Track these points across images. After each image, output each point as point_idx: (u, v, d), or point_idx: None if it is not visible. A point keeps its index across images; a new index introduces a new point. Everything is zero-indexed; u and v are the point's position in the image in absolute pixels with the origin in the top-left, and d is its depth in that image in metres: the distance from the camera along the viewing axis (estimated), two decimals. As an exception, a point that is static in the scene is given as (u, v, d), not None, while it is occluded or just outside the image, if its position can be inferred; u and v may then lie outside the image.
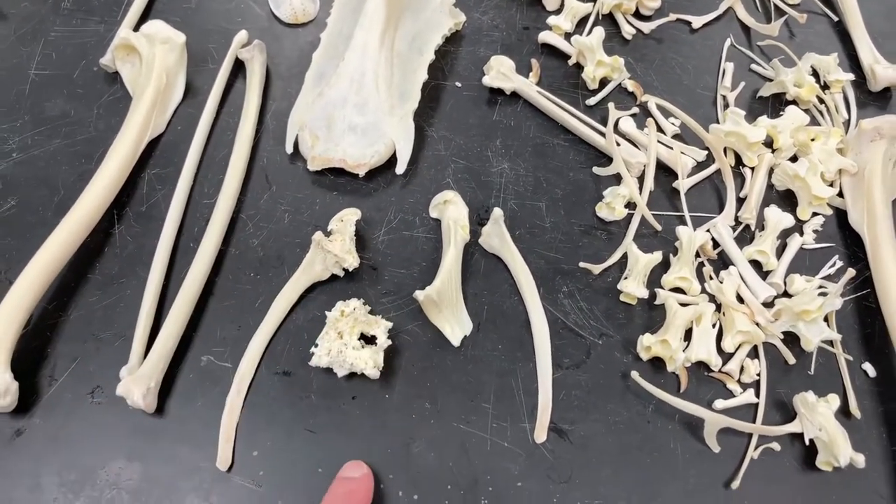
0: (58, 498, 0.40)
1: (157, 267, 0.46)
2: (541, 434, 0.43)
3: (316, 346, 0.43)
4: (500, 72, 0.55)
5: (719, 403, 0.44)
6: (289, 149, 0.52)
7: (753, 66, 0.59)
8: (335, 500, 0.38)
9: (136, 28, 0.56)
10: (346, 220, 0.48)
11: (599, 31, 0.55)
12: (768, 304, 0.47)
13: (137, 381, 0.41)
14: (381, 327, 0.44)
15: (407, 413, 0.43)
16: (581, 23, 0.61)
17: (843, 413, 0.44)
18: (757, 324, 0.45)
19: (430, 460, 0.42)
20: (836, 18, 0.62)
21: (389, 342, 0.43)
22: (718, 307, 0.47)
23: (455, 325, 0.45)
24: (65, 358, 0.44)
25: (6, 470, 0.41)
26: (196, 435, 0.42)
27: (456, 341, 0.45)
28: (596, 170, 0.52)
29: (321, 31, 0.57)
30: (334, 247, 0.46)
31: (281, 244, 0.49)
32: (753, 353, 0.46)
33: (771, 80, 0.57)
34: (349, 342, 0.43)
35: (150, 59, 0.53)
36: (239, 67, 0.57)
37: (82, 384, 0.43)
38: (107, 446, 0.42)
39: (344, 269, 0.47)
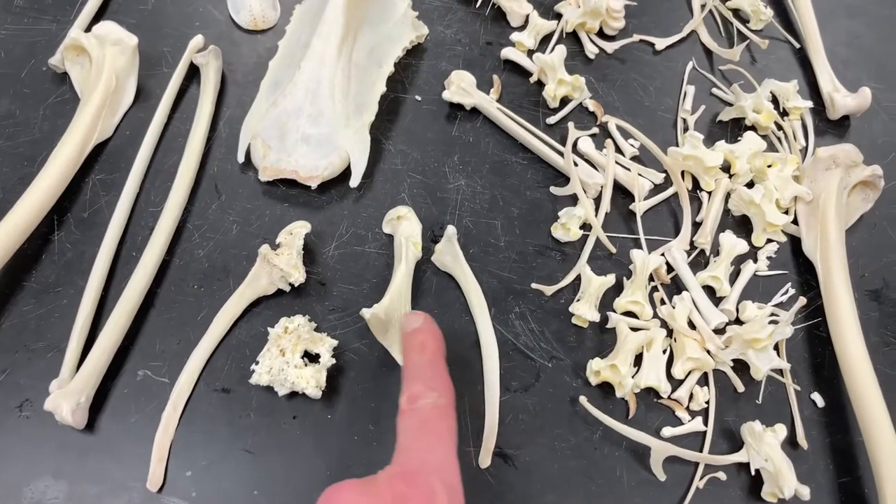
0: (-23, 517, 0.38)
1: (95, 276, 0.45)
2: (485, 459, 0.42)
3: (257, 363, 0.42)
4: (461, 87, 0.54)
5: (667, 431, 0.43)
6: (240, 158, 0.51)
7: (714, 91, 0.59)
8: (413, 359, 0.37)
9: (89, 29, 0.55)
10: (296, 233, 0.47)
11: (561, 50, 0.55)
12: (720, 331, 0.46)
13: (67, 396, 0.39)
14: (325, 345, 0.42)
15: (349, 434, 0.42)
16: (545, 40, 0.60)
17: (791, 443, 0.44)
18: (707, 351, 0.45)
19: (371, 484, 0.41)
20: (797, 45, 0.63)
21: (333, 361, 0.42)
22: (670, 332, 0.46)
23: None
24: (-7, 369, 0.42)
25: (-77, 486, 0.39)
26: (127, 453, 0.41)
27: (403, 362, 0.44)
28: (553, 189, 0.52)
29: (280, 39, 0.56)
30: (280, 260, 0.45)
31: (227, 256, 0.47)
32: (703, 381, 0.45)
33: (731, 105, 0.57)
34: (291, 360, 0.41)
35: (99, 61, 0.52)
36: (194, 73, 0.55)
37: (10, 397, 0.42)
38: (33, 463, 0.40)
39: (290, 284, 0.45)
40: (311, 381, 0.41)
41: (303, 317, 0.43)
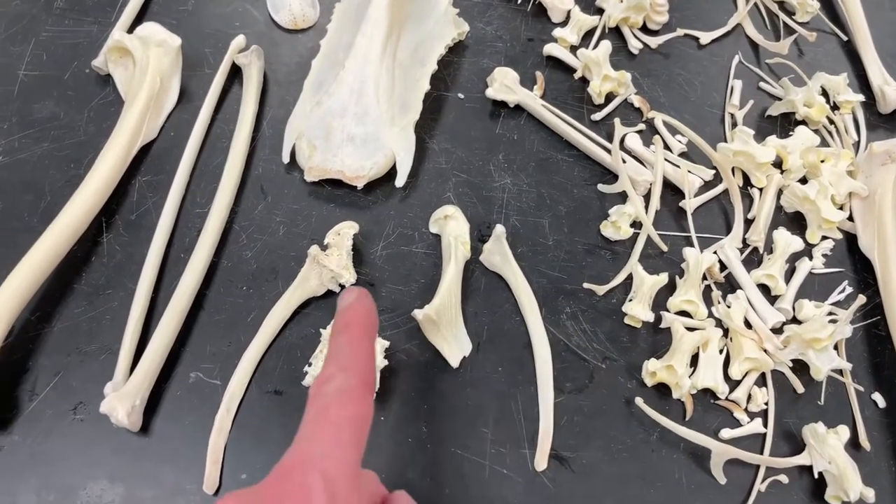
0: (35, 520, 0.38)
1: (145, 278, 0.45)
2: (541, 461, 0.41)
3: (310, 364, 0.42)
4: (504, 84, 0.54)
5: (726, 433, 0.42)
6: (285, 158, 0.50)
7: (762, 84, 0.58)
8: (336, 339, 0.32)
9: (131, 30, 0.55)
10: (343, 233, 0.46)
11: (606, 45, 0.54)
12: (776, 330, 0.45)
13: (122, 399, 0.39)
14: (378, 346, 0.42)
15: (402, 437, 0.42)
16: (587, 36, 0.59)
17: (853, 444, 0.43)
18: (765, 350, 0.44)
19: (426, 487, 0.40)
20: (845, 38, 0.61)
21: (386, 362, 0.42)
22: (725, 332, 0.45)
23: (454, 345, 0.44)
24: (47, 372, 0.42)
25: (-19, 489, 0.39)
26: (182, 455, 0.40)
27: (455, 362, 0.44)
28: (601, 187, 0.51)
29: (321, 38, 0.55)
30: (331, 262, 0.44)
31: (275, 257, 0.47)
32: (761, 381, 0.44)
33: (779, 99, 0.56)
34: None
35: (143, 63, 0.51)
36: (235, 73, 0.55)
37: (64, 400, 0.41)
38: (88, 466, 0.40)
39: (340, 285, 0.45)
40: None
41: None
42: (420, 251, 0.48)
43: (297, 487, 0.26)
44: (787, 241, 0.48)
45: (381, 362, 0.42)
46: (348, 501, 0.27)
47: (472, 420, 0.42)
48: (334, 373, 0.30)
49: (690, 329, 0.44)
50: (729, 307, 0.45)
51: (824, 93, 0.56)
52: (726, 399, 0.43)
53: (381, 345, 0.42)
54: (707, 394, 0.44)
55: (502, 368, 0.44)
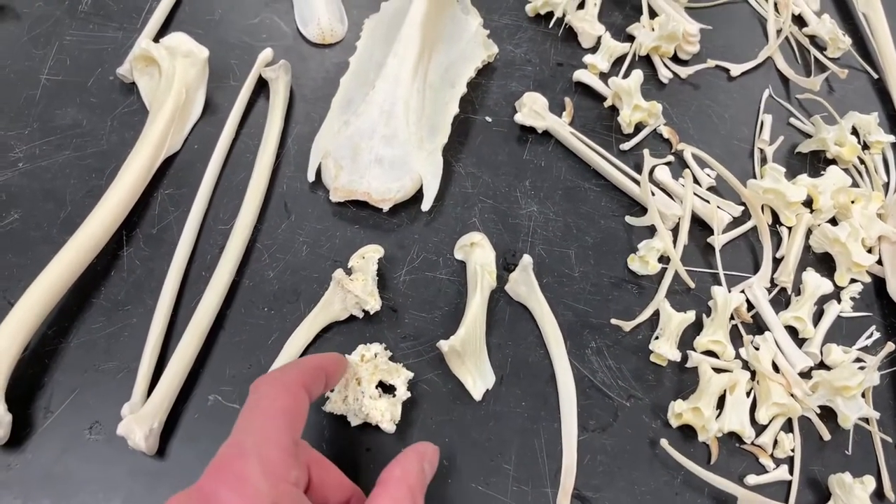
0: (46, 542, 0.37)
1: (166, 295, 0.44)
2: (564, 501, 0.40)
3: (332, 390, 0.41)
4: (533, 109, 0.53)
5: (751, 479, 0.42)
6: (311, 177, 0.50)
7: (792, 121, 0.57)
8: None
9: (157, 38, 0.54)
10: (368, 257, 0.45)
11: (638, 75, 0.54)
12: (804, 375, 0.45)
13: (140, 421, 0.38)
14: (401, 377, 0.41)
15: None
16: (616, 62, 0.59)
17: (878, 495, 0.42)
18: (793, 395, 0.43)
19: (446, 523, 0.39)
20: (876, 76, 0.61)
21: (408, 394, 0.41)
22: (752, 374, 0.45)
23: (477, 377, 0.43)
24: (63, 389, 0.41)
25: (-8, 508, 0.38)
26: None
27: (478, 395, 0.43)
28: (629, 219, 0.50)
29: (348, 54, 0.55)
30: (356, 287, 0.43)
31: (298, 278, 0.46)
32: (787, 427, 0.44)
33: (809, 136, 0.56)
34: (366, 390, 0.40)
35: (170, 73, 0.51)
36: (261, 86, 0.54)
37: (80, 418, 0.41)
38: (103, 488, 0.39)
39: (364, 311, 0.44)
40: (387, 414, 0.40)
41: (380, 345, 0.42)
42: (444, 277, 0.47)
43: (235, 477, 0.27)
44: (816, 284, 0.47)
45: (403, 394, 0.41)
46: (287, 479, 0.28)
47: (494, 455, 0.41)
48: (268, 377, 0.33)
49: (717, 370, 0.44)
50: (757, 349, 0.45)
51: (854, 132, 0.56)
52: (752, 444, 0.43)
53: (405, 376, 0.41)
54: (732, 437, 0.43)
55: (525, 403, 0.43)
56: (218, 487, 0.27)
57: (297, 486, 0.29)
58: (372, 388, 0.41)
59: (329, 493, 0.33)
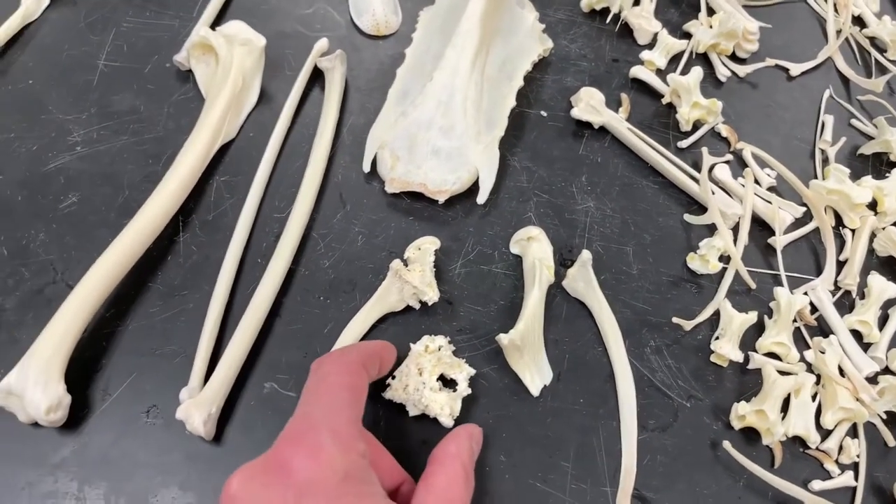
0: (104, 525, 0.37)
1: (222, 282, 0.44)
2: (624, 501, 0.39)
3: (393, 377, 0.40)
4: (590, 104, 0.52)
5: (816, 484, 0.40)
6: (366, 167, 0.49)
7: (854, 122, 0.56)
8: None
9: (213, 27, 0.54)
10: (425, 249, 0.45)
11: (698, 72, 0.53)
12: (869, 380, 0.44)
13: (199, 406, 0.38)
14: (463, 372, 0.41)
15: (480, 465, 0.40)
16: (672, 60, 0.58)
17: (945, 505, 0.41)
18: (858, 400, 0.42)
19: (504, 519, 0.39)
20: (938, 78, 0.60)
21: (469, 391, 0.40)
22: (817, 378, 0.43)
23: (535, 372, 0.42)
24: (120, 372, 0.41)
25: (49, 490, 0.38)
26: (255, 468, 0.39)
27: (535, 390, 0.42)
28: (688, 218, 0.49)
29: (402, 46, 0.54)
30: (414, 277, 0.43)
31: (353, 268, 0.46)
32: (851, 432, 0.43)
33: (871, 138, 0.54)
34: (428, 381, 0.40)
35: (227, 61, 0.51)
36: (315, 76, 0.54)
37: (138, 402, 0.40)
38: (160, 472, 0.39)
39: (421, 302, 0.44)
40: (446, 408, 0.39)
41: (444, 338, 0.42)
42: (500, 271, 0.47)
43: (308, 446, 0.28)
44: (882, 287, 0.46)
45: (464, 390, 0.40)
46: (356, 450, 0.29)
47: (552, 452, 0.41)
48: (333, 352, 0.34)
49: (781, 373, 0.43)
50: (823, 353, 0.44)
51: (918, 134, 0.54)
52: (816, 449, 0.42)
53: (467, 372, 0.41)
54: (795, 442, 0.42)
55: (584, 400, 0.43)
56: (292, 455, 0.27)
57: (364, 458, 0.29)
58: (433, 381, 0.40)
59: (381, 477, 0.33)
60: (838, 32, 0.60)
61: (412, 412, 0.40)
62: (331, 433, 0.28)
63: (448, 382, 0.41)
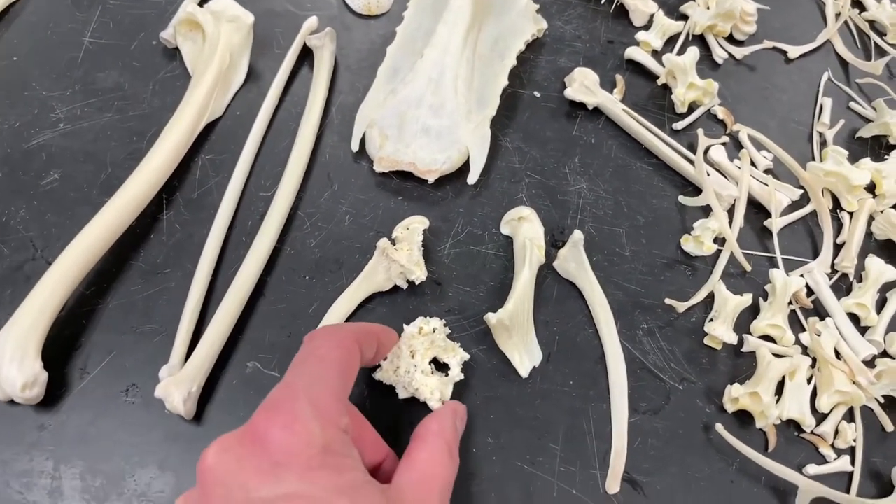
0: (79, 505, 0.36)
1: (206, 260, 0.43)
2: (613, 484, 0.38)
3: (385, 358, 0.39)
4: (584, 85, 0.51)
5: (812, 469, 0.40)
6: (355, 146, 0.48)
7: (852, 105, 0.55)
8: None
9: (202, 3, 0.53)
10: (413, 228, 0.44)
11: (694, 52, 0.52)
12: (866, 364, 0.43)
13: (178, 384, 0.37)
14: (456, 357, 0.40)
15: (466, 447, 0.39)
16: (668, 42, 0.57)
17: (943, 491, 0.40)
18: (855, 384, 0.41)
19: (491, 501, 0.38)
20: (938, 61, 0.59)
21: (462, 376, 0.39)
22: (813, 362, 0.43)
23: (524, 353, 0.42)
24: (99, 350, 0.40)
25: (24, 468, 0.37)
26: (236, 449, 0.38)
27: (524, 372, 0.41)
28: (682, 199, 0.48)
29: (394, 25, 0.53)
30: (401, 256, 0.42)
31: (340, 247, 0.45)
32: (848, 416, 0.42)
33: (869, 121, 0.53)
34: (420, 364, 0.39)
35: (214, 38, 0.50)
36: (304, 55, 0.53)
37: (117, 380, 0.39)
38: (138, 452, 0.38)
39: (409, 282, 0.43)
40: (436, 392, 0.38)
41: (440, 321, 0.41)
42: (490, 252, 0.46)
43: (286, 417, 0.26)
44: (880, 270, 0.45)
45: (456, 375, 0.39)
46: (337, 424, 0.27)
47: (541, 434, 0.40)
48: (328, 326, 0.33)
49: (776, 355, 0.42)
50: (818, 335, 0.43)
51: (918, 117, 0.53)
52: (811, 433, 0.41)
53: (461, 356, 0.40)
54: (790, 425, 0.41)
55: (573, 382, 0.42)
56: (268, 426, 0.26)
57: (346, 432, 0.28)
58: (425, 364, 0.39)
59: (364, 451, 0.32)
60: (837, 15, 0.59)
61: (402, 395, 0.39)
62: (310, 404, 0.27)
63: (441, 366, 0.40)
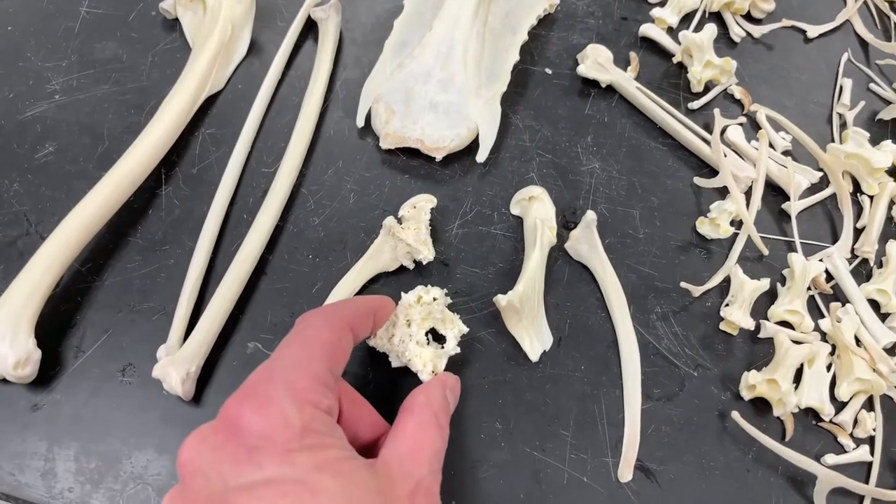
0: (73, 488, 0.35)
1: (205, 237, 0.41)
2: (626, 472, 0.37)
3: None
4: (597, 62, 0.50)
5: (830, 458, 0.38)
6: (360, 122, 0.47)
7: (872, 86, 0.53)
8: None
9: (203, -27, 0.51)
10: (420, 207, 0.42)
11: (712, 29, 0.50)
12: (887, 351, 0.41)
13: (176, 364, 0.36)
14: (454, 329, 0.38)
15: (475, 432, 0.38)
16: (685, 19, 0.55)
17: (965, 482, 0.39)
18: (875, 371, 0.40)
19: (499, 488, 0.37)
20: (960, 43, 0.57)
21: (458, 350, 0.37)
22: (832, 348, 0.41)
23: (534, 337, 0.40)
24: (95, 328, 0.39)
25: (17, 450, 0.36)
26: (236, 432, 0.37)
27: (534, 356, 0.40)
28: (698, 181, 0.47)
29: (401, -1, 0.52)
30: (408, 236, 0.41)
31: (344, 226, 0.43)
32: (867, 405, 0.40)
33: (890, 103, 0.52)
34: (415, 334, 0.37)
35: (215, 9, 0.48)
36: (309, 28, 0.51)
37: (112, 360, 0.38)
38: (134, 434, 0.37)
39: (415, 262, 0.41)
40: (429, 364, 0.36)
41: (441, 290, 0.39)
42: (499, 233, 0.44)
43: (259, 400, 0.25)
44: (901, 256, 0.44)
45: (452, 348, 0.37)
46: (316, 405, 0.26)
47: (551, 421, 0.39)
48: (321, 308, 0.32)
49: (794, 342, 0.40)
50: (839, 321, 0.41)
51: (939, 99, 0.52)
52: (830, 421, 0.40)
53: (459, 329, 0.38)
54: (808, 414, 0.40)
55: (585, 367, 0.40)
56: (240, 412, 0.25)
57: (328, 413, 0.27)
58: (421, 334, 0.37)
59: (360, 429, 0.31)
60: (857, -6, 0.57)
61: (394, 363, 0.38)
62: (286, 387, 0.26)
63: (440, 338, 0.39)
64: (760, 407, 0.40)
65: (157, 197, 0.43)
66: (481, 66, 0.47)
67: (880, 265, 0.45)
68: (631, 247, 0.45)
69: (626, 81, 0.50)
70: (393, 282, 0.42)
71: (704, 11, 0.55)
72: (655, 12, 0.53)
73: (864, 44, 0.56)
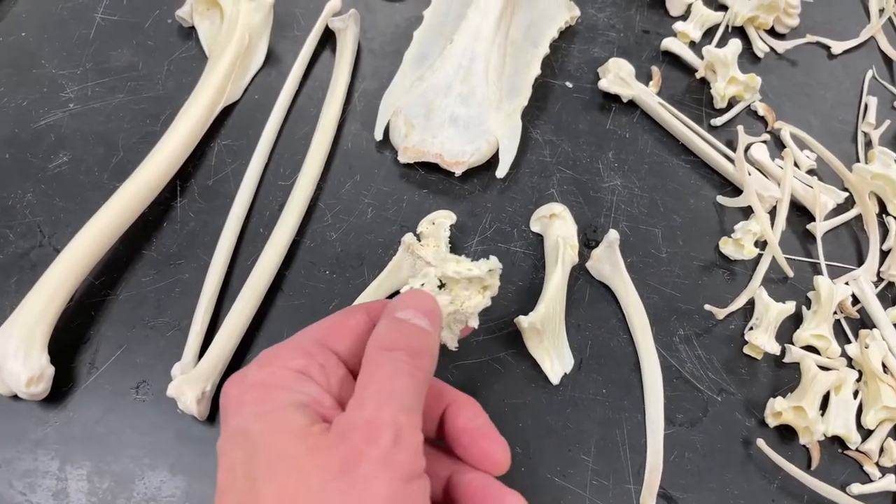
0: (85, 508, 0.34)
1: (221, 251, 0.41)
2: (648, 500, 0.36)
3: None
4: (619, 76, 0.49)
5: (856, 488, 0.38)
6: (378, 135, 0.46)
7: (897, 104, 0.53)
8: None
9: (219, -19, 0.51)
10: (439, 223, 0.42)
11: (736, 44, 0.49)
12: (914, 378, 0.41)
13: (192, 383, 0.35)
14: (489, 264, 0.32)
15: (494, 456, 0.37)
16: (707, 33, 0.54)
17: None
18: (903, 399, 0.39)
19: (519, 516, 0.36)
20: None
21: (489, 303, 0.32)
22: (859, 375, 0.40)
23: (556, 359, 0.39)
24: (109, 344, 0.38)
25: (29, 468, 0.35)
26: (251, 452, 0.36)
27: (555, 378, 0.39)
28: (721, 199, 0.46)
29: (419, 9, 0.51)
30: (427, 253, 0.40)
31: (362, 241, 0.43)
32: (894, 433, 0.40)
33: (916, 122, 0.51)
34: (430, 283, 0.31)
35: (233, 17, 0.47)
36: (326, 38, 0.51)
37: (126, 377, 0.37)
38: (148, 453, 0.36)
39: (436, 280, 0.41)
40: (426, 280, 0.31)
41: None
42: (519, 250, 0.44)
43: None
44: (929, 280, 0.43)
45: (484, 301, 0.31)
46: (284, 364, 0.27)
47: (572, 445, 0.38)
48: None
49: (821, 367, 0.40)
50: (866, 347, 0.40)
51: (968, 119, 0.51)
52: (856, 450, 0.39)
53: (495, 265, 0.32)
54: (834, 442, 0.39)
55: (606, 391, 0.40)
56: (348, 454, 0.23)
57: (302, 372, 0.27)
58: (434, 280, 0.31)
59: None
60: (881, 11, 0.57)
61: (413, 285, 0.31)
62: (264, 355, 0.28)
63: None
64: (785, 434, 0.39)
65: (172, 209, 0.43)
66: (503, 79, 0.47)
67: (907, 289, 0.44)
68: (653, 266, 0.44)
69: (648, 96, 0.49)
70: (411, 299, 0.41)
71: (727, 26, 0.54)
72: (678, 26, 0.53)
73: (888, 60, 0.55)
